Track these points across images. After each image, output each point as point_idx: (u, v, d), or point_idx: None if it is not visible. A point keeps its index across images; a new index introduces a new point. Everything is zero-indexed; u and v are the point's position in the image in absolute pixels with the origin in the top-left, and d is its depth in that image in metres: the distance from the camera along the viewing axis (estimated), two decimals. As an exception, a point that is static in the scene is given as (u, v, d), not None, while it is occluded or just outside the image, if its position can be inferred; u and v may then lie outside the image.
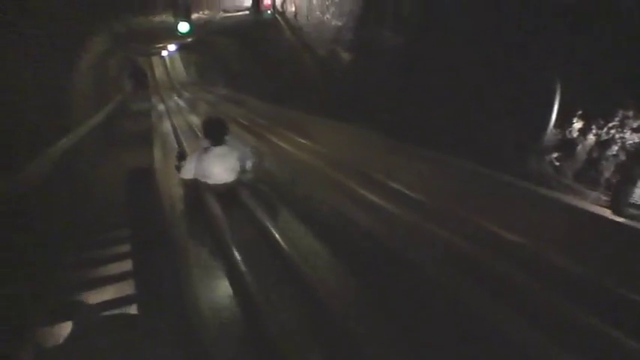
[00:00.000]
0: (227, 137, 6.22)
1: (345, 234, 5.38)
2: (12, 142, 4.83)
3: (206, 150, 6.05)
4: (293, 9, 9.39)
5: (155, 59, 37.11)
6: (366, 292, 4.04)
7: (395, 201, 6.04)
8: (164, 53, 32.33)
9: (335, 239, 5.15)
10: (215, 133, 6.16)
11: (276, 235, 4.99)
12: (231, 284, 4.27)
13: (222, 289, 4.25)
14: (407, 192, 6.23)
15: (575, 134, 5.14)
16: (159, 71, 37.25)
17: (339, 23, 8.44)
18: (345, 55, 8.66)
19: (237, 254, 4.51)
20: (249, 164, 6.35)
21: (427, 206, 5.76)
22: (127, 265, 5.82)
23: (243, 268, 4.26)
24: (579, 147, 5.12)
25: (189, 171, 6.10)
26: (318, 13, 8.85)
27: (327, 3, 8.44)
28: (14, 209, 4.40)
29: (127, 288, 5.31)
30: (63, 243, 6.10)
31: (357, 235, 5.30)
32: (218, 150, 6.03)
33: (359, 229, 5.39)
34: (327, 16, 8.66)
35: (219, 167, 6.02)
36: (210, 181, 6.02)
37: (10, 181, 4.46)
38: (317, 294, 3.85)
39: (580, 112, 5.04)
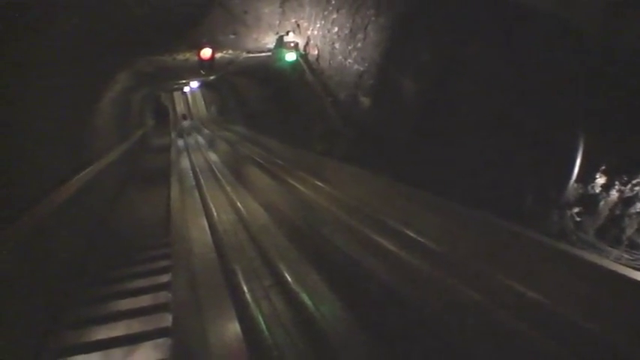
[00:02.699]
0: None
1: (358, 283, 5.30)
2: (26, 178, 4.86)
3: None
4: (315, 52, 9.50)
5: (177, 96, 37.76)
6: None
7: (411, 252, 5.95)
8: (186, 90, 32.91)
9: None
10: None
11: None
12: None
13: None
14: (422, 241, 6.15)
15: (597, 189, 5.04)
16: (180, 108, 37.84)
17: (361, 68, 8.51)
18: (365, 100, 8.69)
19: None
20: None
21: (439, 256, 5.67)
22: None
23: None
24: (602, 203, 5.02)
25: None
26: (340, 57, 8.93)
27: (349, 48, 8.53)
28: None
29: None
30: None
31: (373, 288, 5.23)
32: None
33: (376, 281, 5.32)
34: (349, 60, 8.74)
35: None
36: None
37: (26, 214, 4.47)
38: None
39: (603, 168, 4.96)
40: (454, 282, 5.04)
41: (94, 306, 5.33)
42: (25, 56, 4.62)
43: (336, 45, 8.80)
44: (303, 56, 9.86)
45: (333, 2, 7.75)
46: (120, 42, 7.46)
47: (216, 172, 14.27)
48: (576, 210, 5.18)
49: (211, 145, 21.49)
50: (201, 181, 13.08)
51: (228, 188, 11.53)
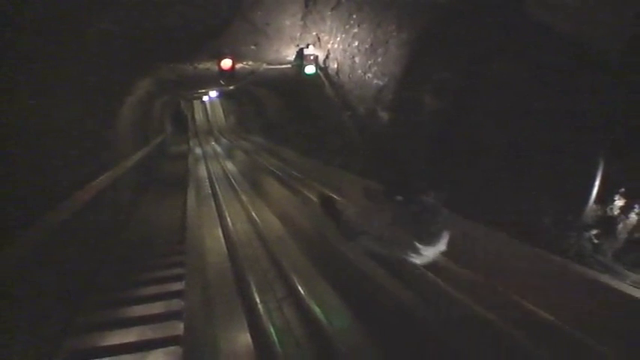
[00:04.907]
0: None
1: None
2: (47, 179, 4.93)
3: None
4: (335, 66, 9.53)
5: (197, 104, 38.05)
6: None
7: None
8: (205, 99, 33.16)
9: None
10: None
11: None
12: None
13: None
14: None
15: (616, 212, 4.98)
16: (199, 116, 38.11)
17: (381, 83, 8.52)
18: (384, 115, 8.69)
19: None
20: None
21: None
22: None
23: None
24: (620, 225, 4.95)
25: None
26: (360, 71, 8.95)
27: (369, 62, 8.55)
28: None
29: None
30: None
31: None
32: None
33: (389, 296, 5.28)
34: (369, 75, 8.75)
35: None
36: None
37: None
38: None
39: (622, 190, 4.90)
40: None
41: (105, 311, 5.36)
42: (51, 60, 4.70)
43: (356, 59, 8.83)
44: (323, 69, 9.90)
45: (355, 16, 7.78)
46: (145, 48, 7.57)
47: (233, 181, 14.32)
48: (594, 232, 5.12)
49: (229, 154, 21.61)
50: (217, 189, 13.14)
51: (244, 197, 11.57)
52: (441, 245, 4.80)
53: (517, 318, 4.58)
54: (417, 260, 4.98)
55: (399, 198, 4.98)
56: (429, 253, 4.86)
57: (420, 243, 4.74)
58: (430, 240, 4.75)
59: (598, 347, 3.89)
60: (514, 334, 4.37)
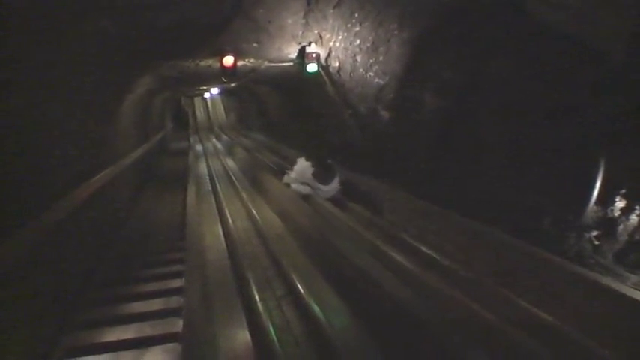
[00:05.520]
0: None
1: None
2: (48, 175, 4.93)
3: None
4: (337, 64, 9.51)
5: (197, 101, 38.02)
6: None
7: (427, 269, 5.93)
8: (206, 95, 33.14)
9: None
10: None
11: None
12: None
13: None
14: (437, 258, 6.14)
15: (617, 213, 4.98)
16: (200, 113, 38.08)
17: (382, 82, 8.51)
18: (385, 114, 8.69)
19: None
20: None
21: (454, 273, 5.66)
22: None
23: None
24: (621, 227, 4.95)
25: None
26: (361, 70, 8.94)
27: (370, 61, 8.54)
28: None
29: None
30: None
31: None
32: None
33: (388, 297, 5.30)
34: (370, 73, 8.75)
35: None
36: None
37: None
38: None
39: (623, 191, 4.90)
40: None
41: (105, 308, 5.36)
42: (51, 56, 4.69)
43: (358, 57, 8.82)
44: (325, 68, 9.89)
45: (357, 15, 7.78)
46: (145, 45, 7.55)
47: (233, 178, 14.30)
48: (595, 233, 5.12)
49: (229, 151, 21.59)
50: (218, 186, 13.12)
51: (244, 195, 11.55)
52: (334, 185, 9.93)
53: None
54: (322, 195, 9.89)
55: (317, 163, 10.36)
56: (328, 189, 9.92)
57: (322, 185, 9.98)
58: (327, 183, 9.95)
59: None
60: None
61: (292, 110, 15.71)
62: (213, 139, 28.48)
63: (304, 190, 10.06)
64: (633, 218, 4.86)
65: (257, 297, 5.94)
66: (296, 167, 10.68)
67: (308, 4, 7.37)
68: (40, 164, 4.71)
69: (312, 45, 9.21)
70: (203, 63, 10.70)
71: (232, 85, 17.98)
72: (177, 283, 5.73)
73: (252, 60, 10.65)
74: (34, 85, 4.38)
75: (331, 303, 5.39)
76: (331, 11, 7.77)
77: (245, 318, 4.81)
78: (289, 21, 7.98)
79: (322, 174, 10.02)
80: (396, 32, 7.57)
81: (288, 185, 10.52)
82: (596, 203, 5.08)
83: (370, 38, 8.12)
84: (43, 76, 4.58)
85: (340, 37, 8.70)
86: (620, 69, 4.68)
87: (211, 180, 14.28)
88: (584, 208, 5.13)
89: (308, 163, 10.45)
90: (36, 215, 4.26)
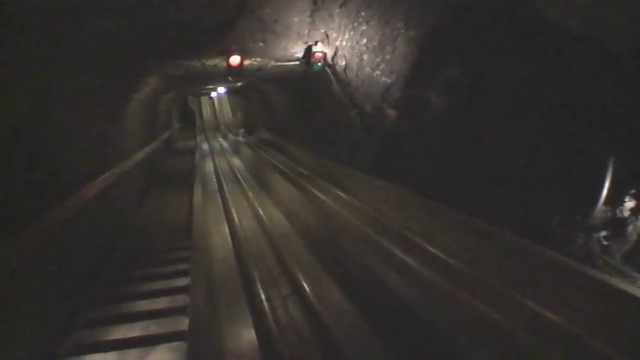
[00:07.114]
0: None
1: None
2: (58, 173, 4.95)
3: None
4: (343, 63, 9.50)
5: (204, 100, 38.11)
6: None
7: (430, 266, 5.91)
8: (213, 94, 33.21)
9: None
10: None
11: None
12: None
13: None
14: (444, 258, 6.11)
15: (626, 213, 4.94)
16: (206, 112, 38.16)
17: (388, 81, 8.49)
18: (391, 113, 8.67)
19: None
20: None
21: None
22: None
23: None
24: (630, 227, 4.92)
25: None
26: (367, 69, 8.93)
27: (377, 60, 8.52)
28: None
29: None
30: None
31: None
32: None
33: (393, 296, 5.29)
34: (377, 72, 8.73)
35: None
36: None
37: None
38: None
39: (633, 191, 4.87)
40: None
41: (112, 306, 5.37)
42: (58, 56, 4.71)
43: (364, 56, 8.81)
44: (331, 67, 9.88)
45: (363, 14, 7.76)
46: (151, 45, 7.56)
47: (239, 177, 14.33)
48: (603, 234, 5.08)
49: (235, 150, 21.64)
50: (224, 185, 13.15)
51: (251, 194, 11.57)
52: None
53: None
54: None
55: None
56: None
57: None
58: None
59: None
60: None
61: (298, 109, 15.72)
62: (220, 138, 28.55)
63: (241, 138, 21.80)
64: (642, 218, 4.83)
65: (263, 296, 5.95)
66: (241, 131, 19.51)
67: (314, 2, 7.36)
68: (44, 164, 4.73)
69: (319, 44, 9.21)
70: (209, 62, 10.71)
71: (239, 84, 18.00)
72: (183, 281, 5.74)
73: (258, 59, 10.65)
74: (37, 85, 4.39)
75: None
76: (337, 10, 7.76)
77: (251, 317, 4.82)
78: (295, 20, 7.96)
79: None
80: (402, 31, 7.55)
81: (236, 135, 18.65)
82: (604, 203, 5.04)
83: (377, 37, 8.10)
84: (47, 77, 4.59)
85: (346, 36, 8.69)
86: (631, 69, 4.65)
87: (218, 178, 14.31)
88: (593, 207, 5.09)
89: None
90: (40, 215, 4.28)
